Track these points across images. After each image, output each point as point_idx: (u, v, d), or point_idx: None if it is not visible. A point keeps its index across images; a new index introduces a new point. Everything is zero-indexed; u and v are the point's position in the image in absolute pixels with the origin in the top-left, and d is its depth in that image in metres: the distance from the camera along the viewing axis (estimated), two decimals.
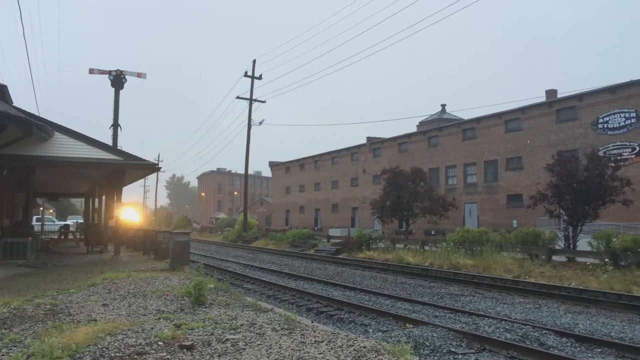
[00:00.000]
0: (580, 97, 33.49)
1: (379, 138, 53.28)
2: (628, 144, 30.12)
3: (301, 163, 66.65)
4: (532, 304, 13.11)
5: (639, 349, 8.37)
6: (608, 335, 9.50)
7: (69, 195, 45.93)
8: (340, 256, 28.13)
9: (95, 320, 7.60)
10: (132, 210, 48.20)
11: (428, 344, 8.24)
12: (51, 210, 62.34)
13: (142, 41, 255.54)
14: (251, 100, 45.91)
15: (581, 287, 14.99)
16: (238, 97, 46.31)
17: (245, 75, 45.29)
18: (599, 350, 8.40)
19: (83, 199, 41.43)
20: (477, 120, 41.32)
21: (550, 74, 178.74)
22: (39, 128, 14.38)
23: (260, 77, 45.69)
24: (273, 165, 74.81)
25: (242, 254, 32.86)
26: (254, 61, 45.29)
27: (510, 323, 10.01)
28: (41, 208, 42.15)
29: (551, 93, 38.19)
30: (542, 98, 38.10)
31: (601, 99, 32.01)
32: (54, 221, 49.75)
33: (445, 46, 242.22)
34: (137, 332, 6.83)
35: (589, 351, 8.36)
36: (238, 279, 18.29)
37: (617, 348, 8.43)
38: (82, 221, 39.72)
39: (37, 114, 17.54)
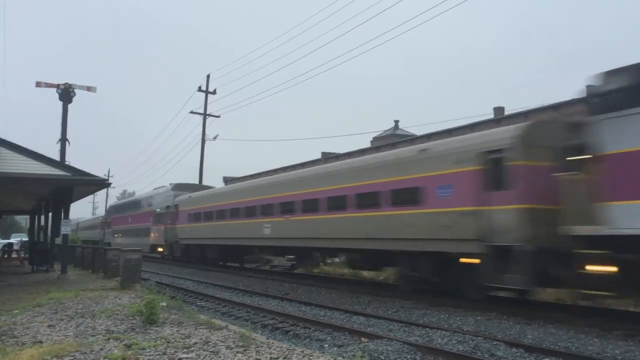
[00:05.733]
0: (525, 114, 34.67)
1: (334, 153, 53.54)
2: None
3: (255, 178, 66.22)
4: (483, 316, 13.39)
5: (585, 357, 8.68)
6: (556, 345, 9.80)
7: (12, 212, 44.22)
8: (296, 272, 28.02)
9: (41, 342, 7.33)
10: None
11: (383, 358, 8.29)
12: None
13: (93, 54, 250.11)
14: (205, 115, 45.50)
15: (530, 298, 15.40)
16: (192, 112, 45.83)
17: (199, 90, 44.91)
18: (547, 359, 8.65)
19: (28, 216, 39.96)
20: (429, 136, 42.02)
21: (498, 91, 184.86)
22: None
23: (214, 92, 45.38)
24: (227, 180, 73.88)
25: (196, 270, 32.26)
26: (208, 76, 45.03)
27: (462, 335, 10.19)
28: None
29: (499, 110, 39.44)
30: (490, 115, 39.28)
31: (545, 115, 33.28)
32: None
33: (399, 63, 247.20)
34: (85, 353, 6.62)
35: None
36: (192, 296, 17.94)
37: (565, 357, 8.70)
38: (27, 239, 38.18)
39: None
